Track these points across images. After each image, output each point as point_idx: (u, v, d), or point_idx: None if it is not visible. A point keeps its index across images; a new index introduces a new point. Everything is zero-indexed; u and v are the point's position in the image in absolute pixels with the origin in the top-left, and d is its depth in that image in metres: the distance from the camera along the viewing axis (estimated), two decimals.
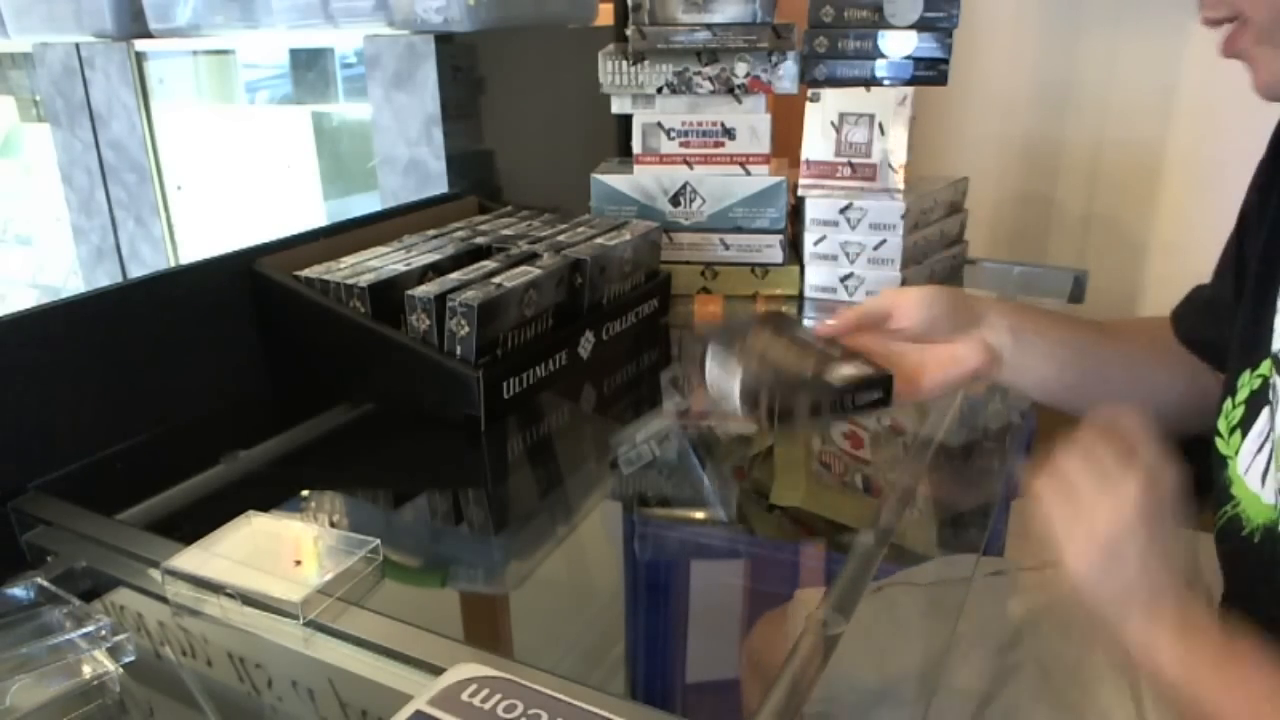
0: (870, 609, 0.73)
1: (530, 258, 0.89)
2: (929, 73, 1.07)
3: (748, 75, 1.07)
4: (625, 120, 1.14)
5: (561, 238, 0.96)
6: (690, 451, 0.79)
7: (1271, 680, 0.47)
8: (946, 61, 1.06)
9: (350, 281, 0.82)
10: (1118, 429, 0.56)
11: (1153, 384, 0.70)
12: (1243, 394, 0.58)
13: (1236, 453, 0.57)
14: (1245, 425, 0.57)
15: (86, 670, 0.49)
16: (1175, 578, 0.53)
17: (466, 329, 0.77)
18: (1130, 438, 0.56)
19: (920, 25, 1.05)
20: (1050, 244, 1.69)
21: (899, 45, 1.06)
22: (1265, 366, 0.56)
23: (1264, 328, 0.57)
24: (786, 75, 1.08)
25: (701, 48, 1.07)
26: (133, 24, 1.45)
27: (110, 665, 0.49)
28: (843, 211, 1.08)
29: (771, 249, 1.12)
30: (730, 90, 1.09)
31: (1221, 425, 0.60)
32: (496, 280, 0.81)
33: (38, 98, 1.68)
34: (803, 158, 1.13)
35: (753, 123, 1.10)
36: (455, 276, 0.83)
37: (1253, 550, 0.55)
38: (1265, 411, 0.55)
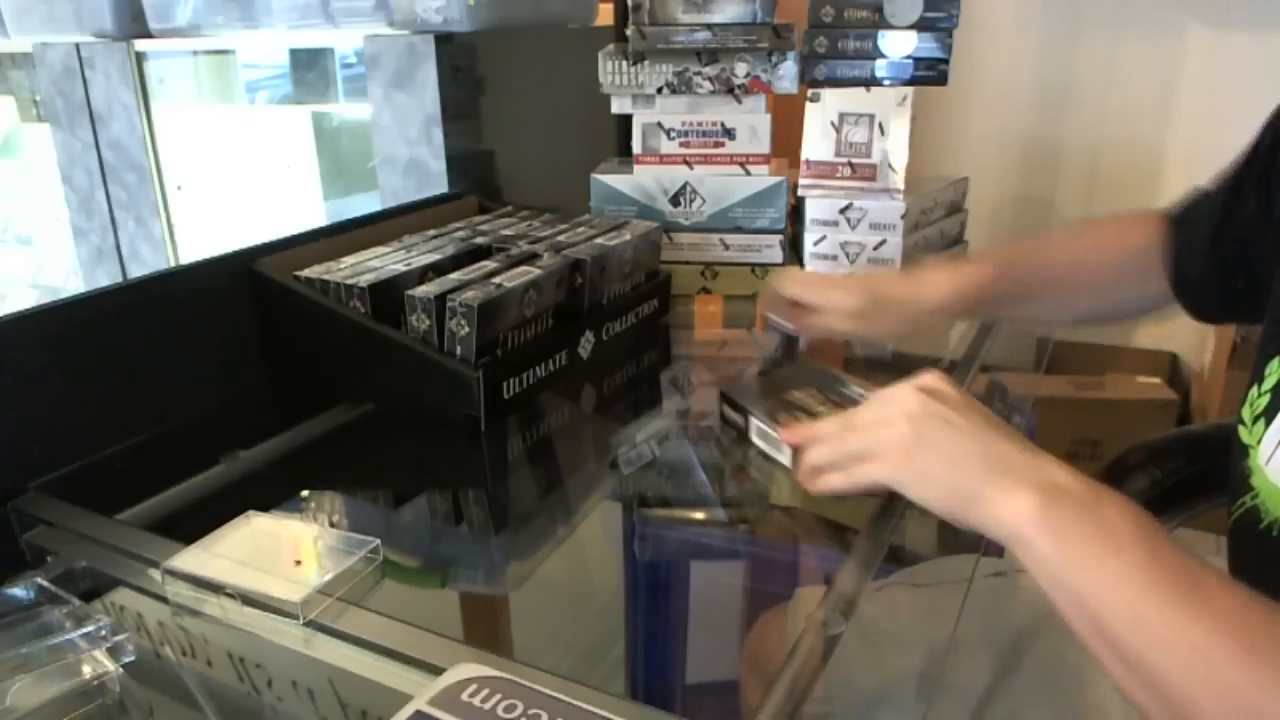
0: (870, 609, 0.73)
1: (530, 258, 0.89)
2: (929, 73, 1.07)
3: (748, 75, 1.07)
4: (625, 120, 1.14)
5: (561, 238, 0.96)
6: (690, 451, 0.79)
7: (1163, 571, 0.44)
8: (946, 61, 1.06)
9: (350, 281, 0.82)
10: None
11: (1113, 295, 0.81)
12: (1269, 382, 0.57)
13: (1259, 442, 0.56)
14: (1270, 414, 0.56)
15: (86, 670, 0.49)
16: (1019, 443, 0.52)
17: (466, 329, 0.77)
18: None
19: (920, 25, 1.05)
20: None
21: (899, 45, 1.06)
22: None
23: None
24: (786, 75, 1.08)
25: (701, 48, 1.07)
26: (133, 24, 1.45)
27: (110, 665, 0.49)
28: (843, 211, 1.08)
29: (771, 249, 1.12)
30: (730, 90, 1.09)
31: (1245, 413, 0.59)
32: (496, 280, 0.81)
33: (38, 98, 1.68)
34: (803, 158, 1.13)
35: (753, 123, 1.10)
36: (455, 276, 0.83)
37: (1271, 543, 0.54)
38: None
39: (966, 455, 0.52)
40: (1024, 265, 0.81)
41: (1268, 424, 0.56)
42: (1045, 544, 0.47)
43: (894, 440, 0.55)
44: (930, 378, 0.58)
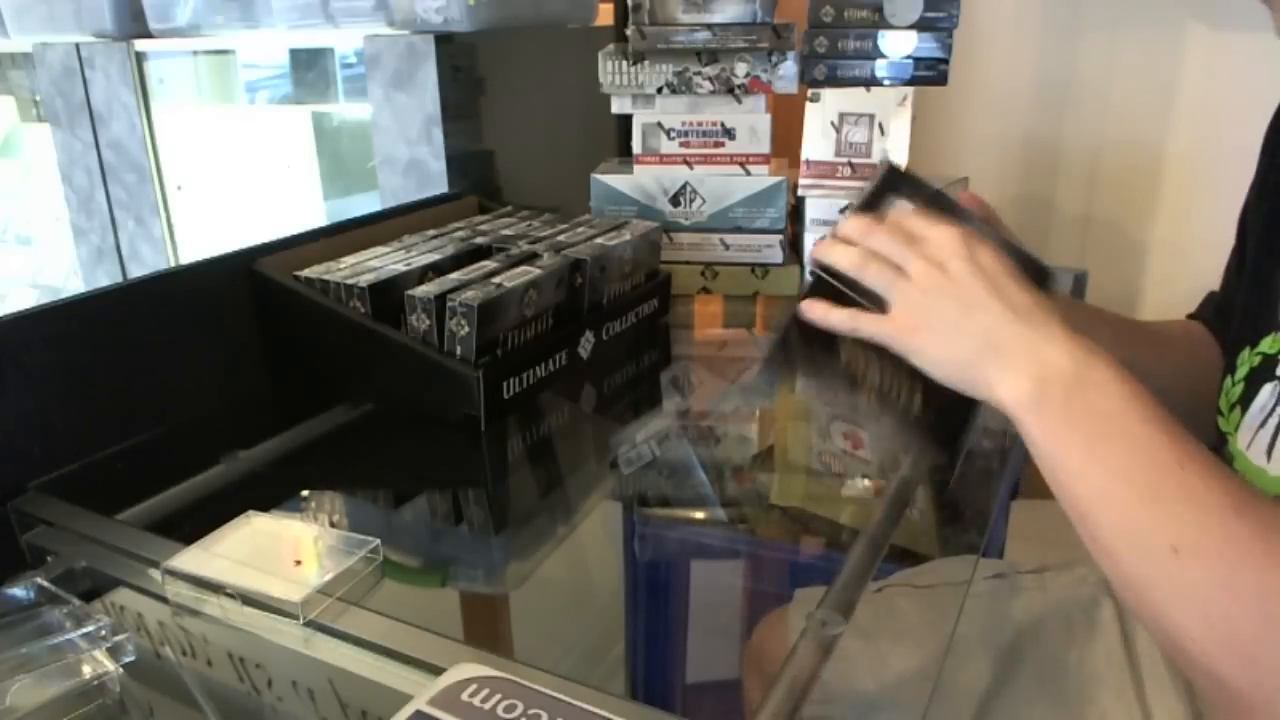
0: (870, 610, 0.73)
1: (530, 258, 0.89)
2: (929, 73, 1.07)
3: (748, 75, 1.07)
4: (625, 120, 1.14)
5: (561, 238, 0.96)
6: (690, 451, 0.79)
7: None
8: (946, 61, 1.06)
9: (350, 281, 0.82)
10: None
11: (1189, 377, 0.70)
12: (1243, 371, 0.58)
13: (1236, 429, 0.58)
14: (1245, 401, 0.57)
15: (86, 670, 0.49)
16: (1027, 315, 0.50)
17: (466, 329, 0.77)
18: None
19: (920, 25, 1.05)
20: (1050, 244, 1.69)
21: (899, 45, 1.06)
22: (1268, 344, 0.56)
23: (1265, 306, 0.57)
24: (786, 75, 1.08)
25: (701, 48, 1.07)
26: (133, 24, 1.45)
27: (110, 665, 0.49)
28: (843, 211, 1.08)
29: (771, 249, 1.12)
30: (730, 90, 1.09)
31: (1222, 403, 0.60)
32: (496, 280, 0.81)
33: (38, 98, 1.68)
34: (803, 158, 1.13)
35: (753, 123, 1.10)
36: (455, 276, 0.83)
37: None
38: (1268, 387, 0.55)
39: (971, 331, 0.51)
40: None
41: (1244, 411, 0.57)
42: (1034, 428, 0.48)
43: (907, 303, 0.53)
44: (967, 232, 0.54)
